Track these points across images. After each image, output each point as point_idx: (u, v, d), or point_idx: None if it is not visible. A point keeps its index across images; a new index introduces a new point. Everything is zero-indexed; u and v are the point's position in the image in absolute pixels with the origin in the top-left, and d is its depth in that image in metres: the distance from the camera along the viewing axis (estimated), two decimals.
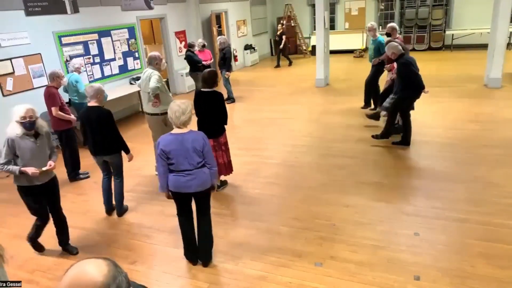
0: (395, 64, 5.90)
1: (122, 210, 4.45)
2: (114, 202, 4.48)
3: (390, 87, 6.18)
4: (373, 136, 5.96)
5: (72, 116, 5.41)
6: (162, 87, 4.97)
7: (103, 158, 4.22)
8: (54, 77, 5.29)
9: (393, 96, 5.77)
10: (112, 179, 4.42)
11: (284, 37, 13.15)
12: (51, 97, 5.27)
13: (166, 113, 4.72)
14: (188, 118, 3.13)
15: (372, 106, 7.53)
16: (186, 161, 3.12)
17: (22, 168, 3.28)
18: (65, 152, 5.45)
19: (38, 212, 3.60)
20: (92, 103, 4.13)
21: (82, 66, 6.71)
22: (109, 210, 4.46)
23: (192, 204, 3.42)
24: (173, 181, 3.19)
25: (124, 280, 1.08)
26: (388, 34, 6.93)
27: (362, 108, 7.73)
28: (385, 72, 6.82)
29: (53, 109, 5.23)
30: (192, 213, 3.44)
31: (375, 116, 6.57)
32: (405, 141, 5.74)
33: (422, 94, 5.49)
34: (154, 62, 5.08)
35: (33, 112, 3.27)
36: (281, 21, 14.39)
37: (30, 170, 3.27)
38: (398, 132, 5.95)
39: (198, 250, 3.49)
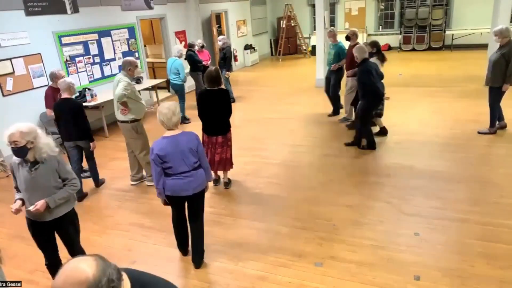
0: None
1: (100, 182, 5.22)
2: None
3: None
4: (345, 144, 5.89)
5: None
6: (131, 94, 4.69)
7: (76, 143, 4.76)
8: (53, 78, 5.36)
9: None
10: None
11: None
12: (45, 98, 5.55)
13: (135, 120, 4.81)
14: (178, 119, 3.14)
15: (340, 114, 7.40)
16: (183, 163, 3.10)
17: (17, 200, 2.85)
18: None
19: (42, 250, 3.08)
20: (65, 95, 4.58)
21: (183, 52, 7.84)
22: (80, 197, 4.82)
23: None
24: (171, 185, 3.15)
25: (114, 272, 1.15)
26: (347, 38, 6.66)
27: (330, 115, 7.50)
28: (345, 77, 6.76)
29: (47, 110, 5.59)
30: (186, 220, 3.46)
31: (352, 125, 6.50)
32: (372, 145, 5.70)
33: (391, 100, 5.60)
34: (127, 68, 4.76)
35: (20, 137, 2.59)
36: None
37: (15, 205, 2.81)
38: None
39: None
